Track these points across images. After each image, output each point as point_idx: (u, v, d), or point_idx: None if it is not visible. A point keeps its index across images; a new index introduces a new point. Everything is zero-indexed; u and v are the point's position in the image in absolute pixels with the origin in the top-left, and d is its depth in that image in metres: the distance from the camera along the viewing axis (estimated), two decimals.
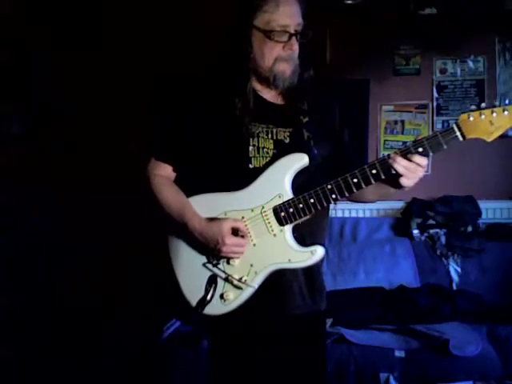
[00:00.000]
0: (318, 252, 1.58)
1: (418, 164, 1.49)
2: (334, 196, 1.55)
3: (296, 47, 1.60)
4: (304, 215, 1.57)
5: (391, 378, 2.64)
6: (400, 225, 3.66)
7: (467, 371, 2.59)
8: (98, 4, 3.79)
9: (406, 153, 1.50)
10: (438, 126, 3.78)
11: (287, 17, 1.56)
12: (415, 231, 3.56)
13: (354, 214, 3.82)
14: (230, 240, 1.56)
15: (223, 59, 1.68)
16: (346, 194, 1.54)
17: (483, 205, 3.62)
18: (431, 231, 3.55)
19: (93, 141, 3.77)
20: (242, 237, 1.58)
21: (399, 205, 3.73)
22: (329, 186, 1.54)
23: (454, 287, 3.39)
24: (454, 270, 3.43)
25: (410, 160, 1.48)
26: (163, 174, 1.71)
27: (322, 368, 1.78)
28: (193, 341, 2.79)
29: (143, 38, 3.73)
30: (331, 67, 3.78)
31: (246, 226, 1.60)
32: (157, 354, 2.87)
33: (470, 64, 3.76)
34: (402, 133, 3.84)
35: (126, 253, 3.53)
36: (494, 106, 1.45)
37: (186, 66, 2.77)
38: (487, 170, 3.70)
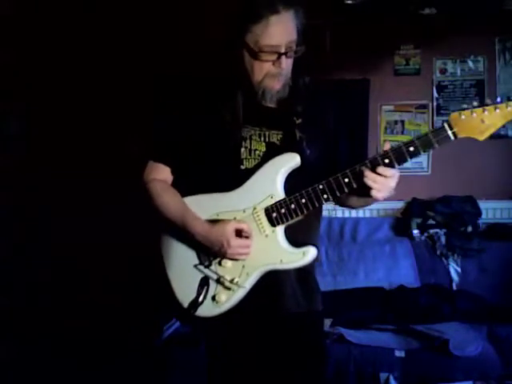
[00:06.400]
0: (310, 252, 1.56)
1: (385, 176, 1.46)
2: (325, 196, 1.53)
3: (285, 65, 1.56)
4: (296, 216, 1.56)
5: (391, 377, 2.64)
6: (400, 225, 3.66)
7: (467, 371, 2.60)
8: (98, 4, 3.79)
9: (374, 164, 1.47)
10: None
11: (277, 37, 1.52)
12: (415, 231, 3.56)
13: (354, 214, 3.81)
14: (236, 242, 1.55)
15: (218, 67, 1.68)
16: (338, 194, 1.52)
17: (483, 205, 3.62)
18: (431, 231, 3.55)
19: (92, 141, 3.77)
20: (247, 237, 1.57)
21: (399, 205, 3.72)
22: (320, 186, 1.53)
23: (454, 287, 3.39)
24: (454, 270, 3.43)
25: (377, 173, 1.46)
26: (161, 177, 1.71)
27: (321, 369, 1.77)
28: (192, 341, 2.80)
29: (143, 39, 3.73)
30: (331, 67, 3.77)
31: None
32: (157, 354, 2.87)
33: (470, 64, 3.76)
34: (402, 133, 3.84)
35: (125, 253, 3.53)
36: (486, 105, 1.42)
37: (183, 68, 2.77)
38: (487, 170, 3.70)
